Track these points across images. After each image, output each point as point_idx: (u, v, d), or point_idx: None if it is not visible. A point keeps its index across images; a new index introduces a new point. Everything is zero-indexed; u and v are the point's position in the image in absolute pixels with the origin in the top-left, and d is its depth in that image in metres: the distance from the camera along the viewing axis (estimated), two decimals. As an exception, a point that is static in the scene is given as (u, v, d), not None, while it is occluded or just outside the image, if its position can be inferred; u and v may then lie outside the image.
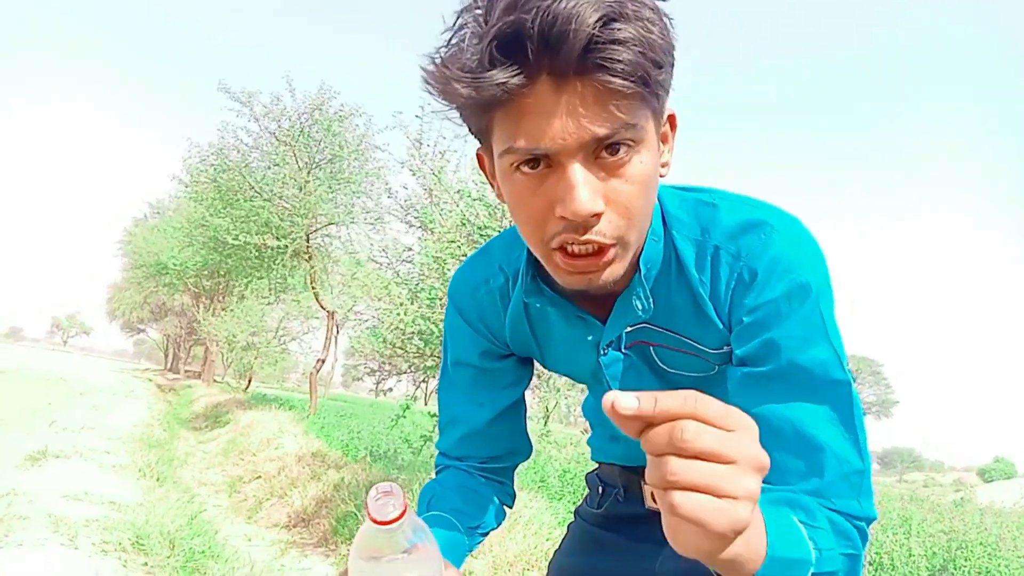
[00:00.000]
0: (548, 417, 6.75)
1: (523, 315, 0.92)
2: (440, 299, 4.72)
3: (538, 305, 0.88)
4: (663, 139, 0.73)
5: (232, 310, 18.65)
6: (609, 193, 0.65)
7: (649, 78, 0.61)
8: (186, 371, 34.13)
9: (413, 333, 5.13)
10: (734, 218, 0.76)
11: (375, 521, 0.59)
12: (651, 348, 0.86)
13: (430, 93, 0.66)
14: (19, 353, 37.08)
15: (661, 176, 0.73)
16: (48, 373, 19.10)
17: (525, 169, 0.66)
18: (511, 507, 1.04)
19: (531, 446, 1.06)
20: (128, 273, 29.48)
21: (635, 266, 0.78)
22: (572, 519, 1.20)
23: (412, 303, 4.93)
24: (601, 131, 0.61)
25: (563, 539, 1.19)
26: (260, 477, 6.60)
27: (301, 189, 10.55)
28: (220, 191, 11.33)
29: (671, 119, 0.74)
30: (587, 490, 1.18)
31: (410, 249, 5.55)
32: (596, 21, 0.57)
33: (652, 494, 0.99)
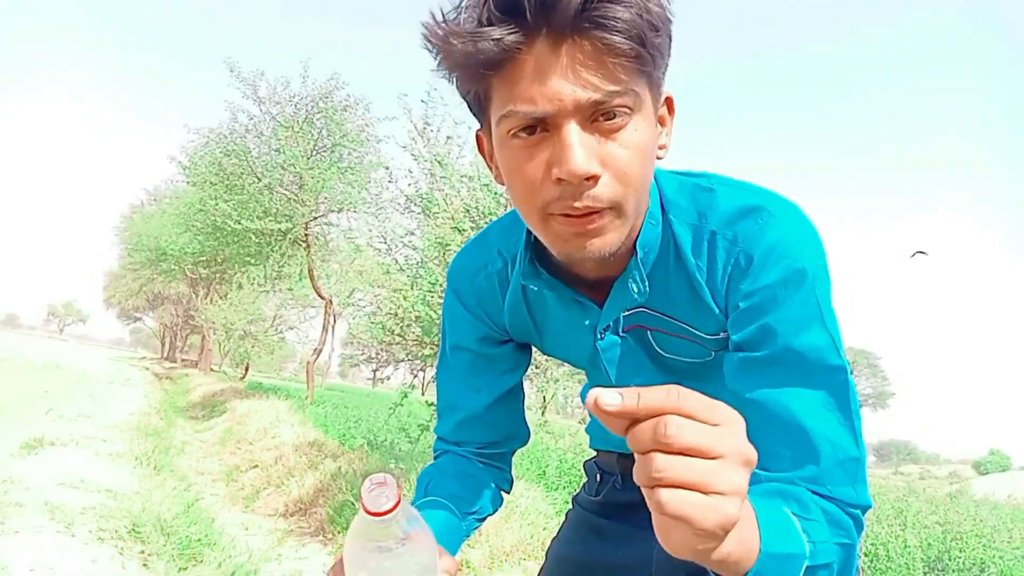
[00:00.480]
0: (545, 407, 6.77)
1: (522, 299, 0.92)
2: (441, 284, 4.71)
3: (535, 288, 0.87)
4: (661, 121, 0.72)
5: (229, 298, 18.64)
6: (605, 157, 0.64)
7: (646, 39, 0.61)
8: (183, 360, 34.13)
9: (412, 320, 5.12)
10: (731, 203, 0.76)
11: (369, 512, 0.59)
12: (648, 332, 0.86)
13: (429, 51, 0.66)
14: (15, 341, 37.02)
15: (659, 158, 0.72)
16: (44, 361, 19.07)
17: (522, 135, 0.65)
18: (508, 492, 1.04)
19: (529, 432, 1.06)
20: (125, 260, 29.38)
21: (632, 249, 0.77)
22: (570, 507, 1.19)
23: (412, 288, 4.91)
24: (598, 92, 0.61)
25: (561, 527, 1.19)
26: (257, 466, 6.60)
27: (302, 176, 10.53)
28: (223, 175, 11.29)
29: (668, 102, 0.73)
30: (585, 478, 1.18)
31: (412, 233, 5.53)
32: None
33: None
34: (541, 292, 0.87)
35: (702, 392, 0.86)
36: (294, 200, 10.84)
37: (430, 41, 0.65)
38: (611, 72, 0.61)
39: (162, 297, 31.98)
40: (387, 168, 6.15)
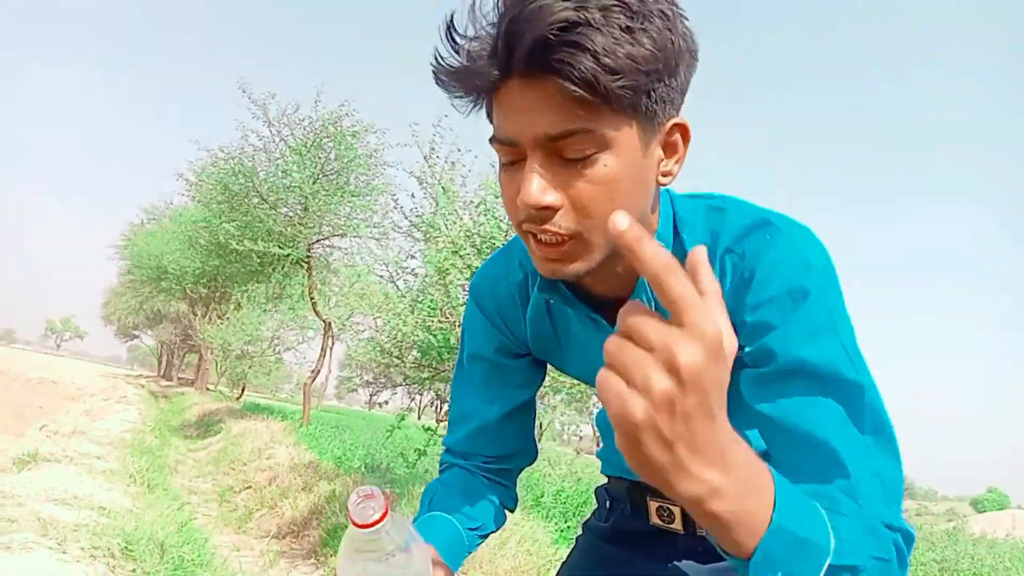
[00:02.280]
0: (542, 434, 6.74)
1: (545, 313, 0.93)
2: (441, 308, 4.73)
3: (552, 302, 0.89)
4: (668, 148, 0.73)
5: (228, 318, 18.61)
6: (569, 190, 0.67)
7: (599, 86, 0.61)
8: (179, 378, 34.01)
9: (411, 344, 5.13)
10: (741, 220, 0.77)
11: (356, 524, 0.60)
12: None
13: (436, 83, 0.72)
14: (11, 355, 36.88)
15: (662, 184, 0.74)
16: (40, 376, 19.00)
17: (507, 158, 0.71)
18: (512, 511, 1.05)
19: (537, 452, 1.07)
20: (125, 277, 29.39)
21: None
22: (580, 532, 1.19)
23: (412, 313, 4.93)
24: (553, 130, 0.64)
25: (570, 552, 1.19)
26: (251, 487, 6.57)
27: (307, 199, 10.59)
28: (227, 195, 11.36)
29: (681, 129, 0.73)
30: (595, 504, 1.17)
31: (413, 257, 5.57)
32: (552, 24, 0.60)
33: (657, 510, 0.99)
34: (560, 306, 0.89)
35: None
36: (298, 223, 10.89)
37: (434, 76, 0.71)
38: (567, 113, 0.63)
39: (161, 315, 31.90)
40: (394, 196, 6.19)
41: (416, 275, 5.65)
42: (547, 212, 0.67)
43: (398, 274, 5.84)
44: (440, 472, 1.04)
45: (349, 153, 10.75)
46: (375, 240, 10.67)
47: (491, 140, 0.71)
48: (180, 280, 21.04)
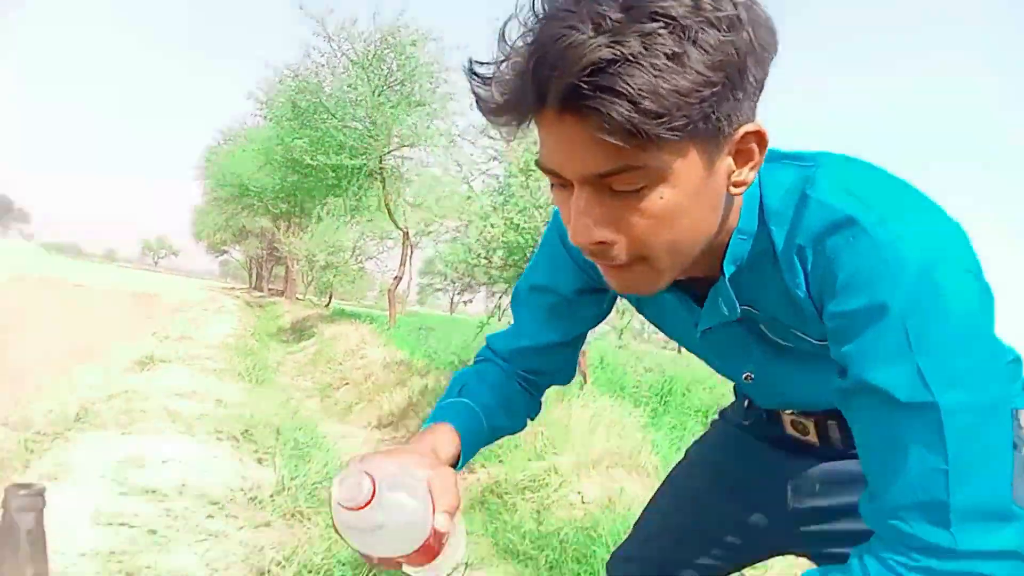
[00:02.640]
0: (623, 330, 6.78)
1: None
2: (527, 210, 4.73)
3: None
4: (740, 156, 0.65)
5: (310, 231, 19.18)
6: (620, 224, 0.63)
7: (640, 133, 0.55)
8: (269, 289, 35.52)
9: (500, 244, 5.18)
10: (823, 216, 0.68)
11: (344, 507, 0.61)
12: (759, 324, 0.84)
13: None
14: (115, 273, 39.33)
15: (734, 194, 0.68)
16: (143, 291, 20.26)
17: (555, 182, 0.67)
18: (534, 420, 1.06)
19: (574, 373, 1.08)
20: (209, 196, 30.45)
21: (721, 265, 0.76)
22: (716, 418, 1.21)
23: (497, 213, 4.96)
24: (597, 169, 0.60)
25: (706, 432, 1.23)
26: (348, 383, 6.94)
27: (373, 111, 10.63)
28: (296, 112, 11.53)
29: (756, 136, 0.64)
30: (734, 398, 1.17)
31: (495, 159, 5.54)
32: (583, 68, 0.54)
33: (791, 422, 1.00)
34: None
35: (818, 372, 0.83)
36: (368, 135, 10.97)
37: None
38: (609, 152, 0.58)
39: (246, 231, 33.08)
40: (470, 100, 6.10)
41: (496, 177, 5.63)
42: (603, 247, 0.64)
43: (473, 175, 5.83)
44: (476, 361, 1.04)
45: (410, 63, 10.68)
46: (443, 148, 10.67)
47: (537, 163, 0.66)
48: (261, 197, 21.66)
